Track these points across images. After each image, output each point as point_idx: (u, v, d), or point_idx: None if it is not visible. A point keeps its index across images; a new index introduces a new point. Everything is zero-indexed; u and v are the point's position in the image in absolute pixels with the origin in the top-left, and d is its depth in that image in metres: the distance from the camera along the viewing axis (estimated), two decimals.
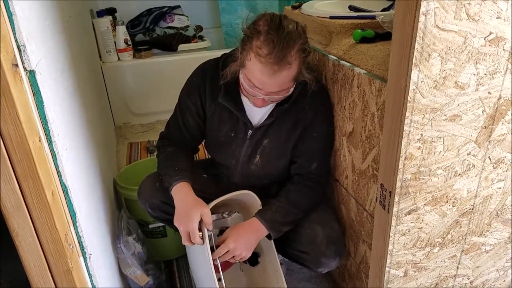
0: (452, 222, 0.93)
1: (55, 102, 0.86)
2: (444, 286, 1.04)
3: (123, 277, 1.36)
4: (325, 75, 1.24)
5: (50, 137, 0.79)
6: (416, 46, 0.71)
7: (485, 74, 0.77)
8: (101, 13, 2.44)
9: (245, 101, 1.17)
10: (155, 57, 2.58)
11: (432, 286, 1.03)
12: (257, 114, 1.20)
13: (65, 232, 0.81)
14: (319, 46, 1.30)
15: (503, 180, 0.91)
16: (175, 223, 1.12)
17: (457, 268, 1.02)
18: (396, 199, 0.86)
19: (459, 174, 0.87)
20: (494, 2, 0.70)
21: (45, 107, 0.77)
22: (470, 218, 0.94)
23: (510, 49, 0.75)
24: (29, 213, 0.75)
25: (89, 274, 0.93)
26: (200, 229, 1.09)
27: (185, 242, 1.11)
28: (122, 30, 2.46)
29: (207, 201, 1.14)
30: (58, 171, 0.81)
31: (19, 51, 0.70)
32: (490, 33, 0.73)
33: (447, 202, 0.90)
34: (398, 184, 0.84)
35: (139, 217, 1.53)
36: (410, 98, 0.76)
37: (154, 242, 1.60)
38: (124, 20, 2.55)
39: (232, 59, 1.10)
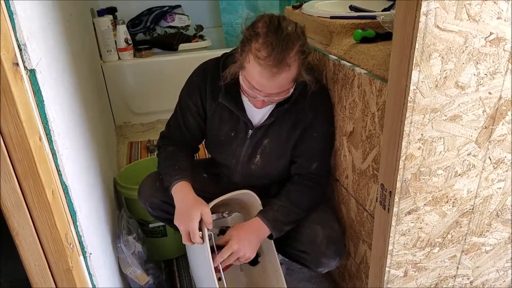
0: (452, 222, 0.93)
1: (56, 101, 0.86)
2: (444, 286, 1.04)
3: (123, 276, 1.36)
4: (326, 75, 1.24)
5: (51, 136, 0.79)
6: (416, 46, 0.71)
7: (486, 74, 0.77)
8: (101, 12, 2.44)
9: (245, 101, 1.17)
10: (156, 56, 2.58)
11: (432, 286, 1.03)
12: (257, 114, 1.20)
13: (65, 232, 0.81)
14: (319, 46, 1.30)
15: (503, 181, 0.91)
16: (175, 223, 1.12)
17: (457, 268, 1.02)
18: (396, 199, 0.86)
19: (459, 174, 0.87)
20: (494, 2, 0.70)
21: (45, 106, 0.77)
22: (470, 218, 0.94)
23: (510, 49, 0.75)
24: (29, 212, 0.74)
25: (89, 274, 0.93)
26: (200, 229, 1.09)
27: (185, 241, 1.11)
28: (122, 29, 2.46)
29: (207, 200, 1.14)
30: (58, 170, 0.81)
31: (20, 50, 0.70)
32: (491, 33, 0.73)
33: (447, 202, 0.90)
34: (398, 184, 0.84)
35: (139, 216, 1.53)
36: (411, 98, 0.76)
37: (154, 242, 1.60)
38: (124, 19, 2.55)
39: (232, 59, 1.10)
